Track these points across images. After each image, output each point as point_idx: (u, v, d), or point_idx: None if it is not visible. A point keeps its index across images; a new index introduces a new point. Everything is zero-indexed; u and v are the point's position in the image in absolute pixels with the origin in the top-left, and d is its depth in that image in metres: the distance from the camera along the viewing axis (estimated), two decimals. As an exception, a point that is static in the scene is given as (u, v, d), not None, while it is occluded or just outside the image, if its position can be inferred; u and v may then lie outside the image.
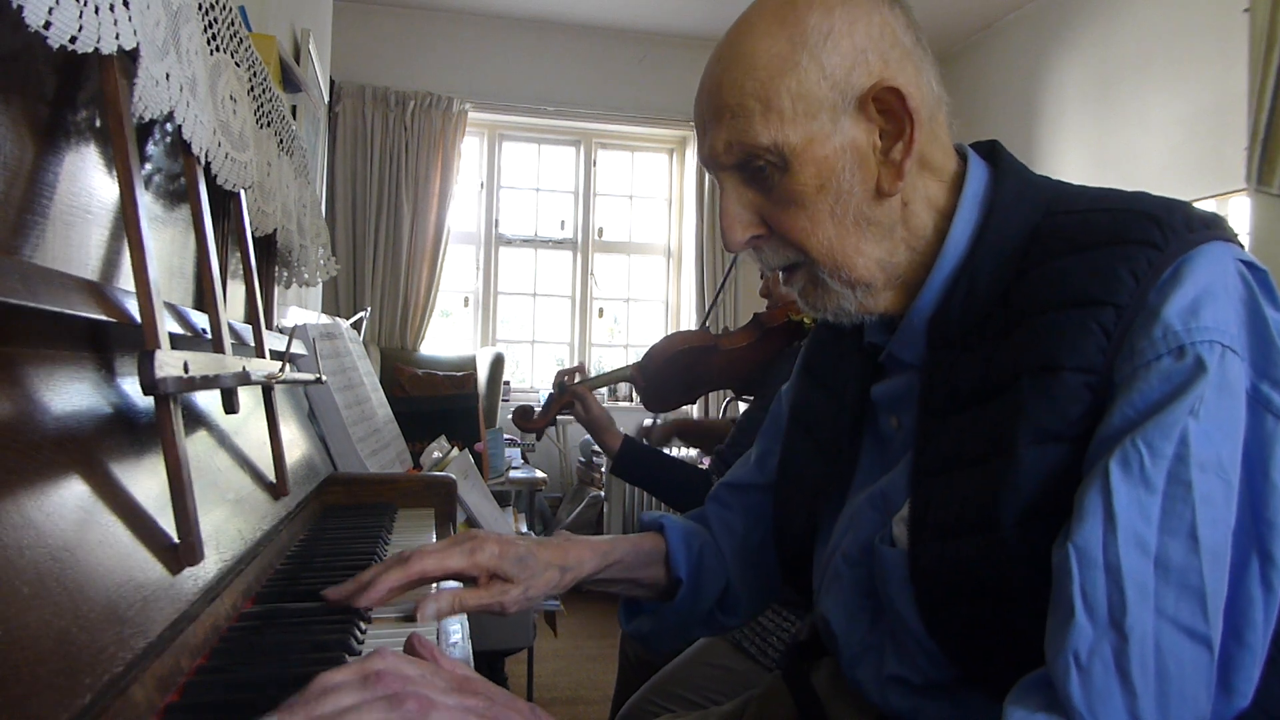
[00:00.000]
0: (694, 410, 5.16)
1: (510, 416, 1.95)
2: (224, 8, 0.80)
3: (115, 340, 0.66)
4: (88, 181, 0.65)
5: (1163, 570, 0.55)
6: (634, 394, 5.26)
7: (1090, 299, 0.62)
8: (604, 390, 1.91)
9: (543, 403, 1.91)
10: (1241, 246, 0.65)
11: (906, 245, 0.73)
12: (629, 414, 4.61)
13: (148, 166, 0.79)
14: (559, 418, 1.93)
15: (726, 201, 0.74)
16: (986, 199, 0.73)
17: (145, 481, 0.62)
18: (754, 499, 0.97)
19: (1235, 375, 0.58)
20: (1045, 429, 0.62)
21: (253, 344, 0.97)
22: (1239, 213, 3.18)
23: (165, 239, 0.86)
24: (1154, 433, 0.57)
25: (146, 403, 0.66)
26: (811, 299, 0.76)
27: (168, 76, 0.62)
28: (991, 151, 0.77)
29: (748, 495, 0.98)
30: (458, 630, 0.78)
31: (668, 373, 1.85)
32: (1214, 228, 0.64)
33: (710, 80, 0.73)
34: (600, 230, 5.36)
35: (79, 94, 0.63)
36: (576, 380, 1.87)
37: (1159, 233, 0.62)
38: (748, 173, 0.72)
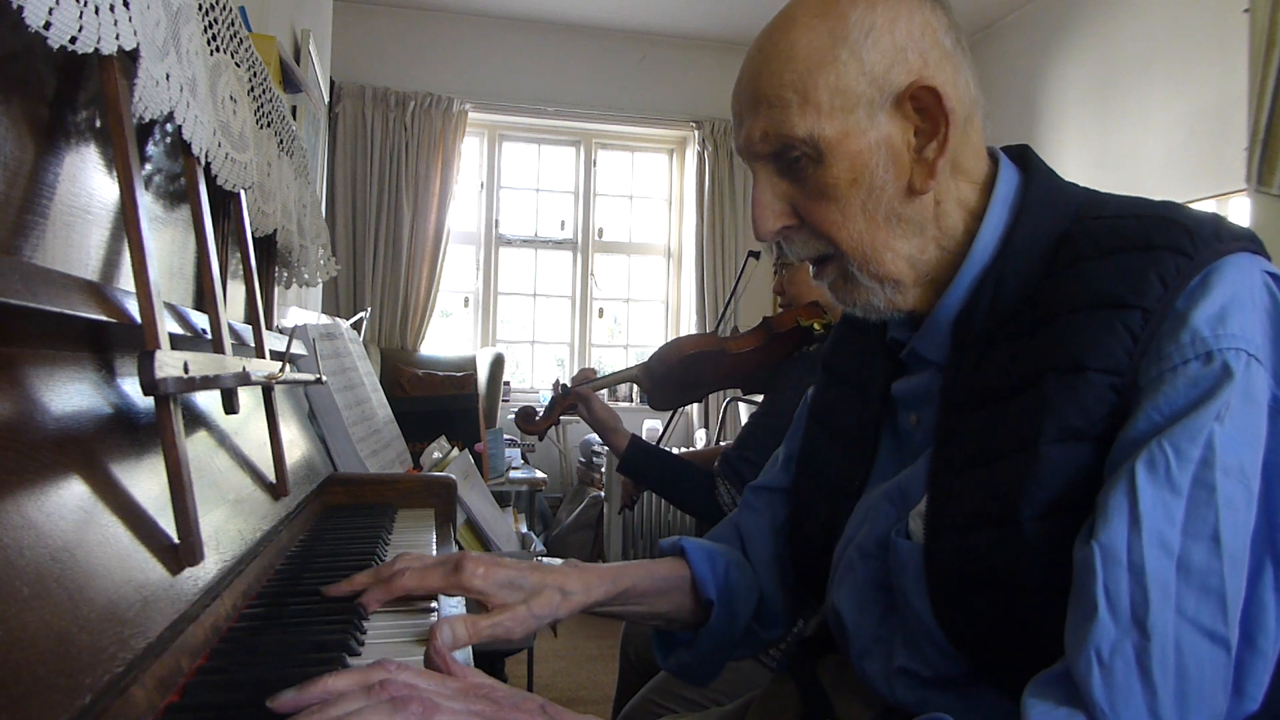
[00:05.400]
0: (693, 411, 5.17)
1: (513, 418, 1.95)
2: (224, 8, 0.80)
3: (115, 340, 0.66)
4: (88, 181, 0.65)
5: (1185, 572, 0.55)
6: (633, 393, 5.28)
7: (1118, 301, 0.63)
8: (604, 389, 1.89)
9: (545, 404, 1.91)
10: (1269, 259, 0.65)
11: (937, 244, 0.74)
12: (629, 414, 4.61)
13: (148, 167, 0.79)
14: (561, 418, 1.93)
15: (759, 191, 0.74)
16: (1016, 202, 0.73)
17: (145, 481, 0.62)
18: (780, 501, 0.97)
19: (1259, 385, 0.59)
20: (1069, 427, 0.62)
21: (253, 344, 0.97)
22: (1239, 213, 3.18)
23: (165, 239, 0.86)
24: (1181, 436, 0.57)
25: (146, 403, 0.66)
26: (841, 293, 0.76)
27: (168, 77, 0.62)
28: (1022, 156, 0.78)
29: (774, 497, 0.98)
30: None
31: (673, 376, 1.85)
32: (1243, 239, 0.64)
33: (749, 71, 0.74)
34: (600, 230, 5.36)
35: (79, 94, 0.63)
36: (580, 383, 1.87)
37: (1189, 240, 0.63)
38: (782, 163, 0.73)
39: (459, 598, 0.82)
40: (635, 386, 1.93)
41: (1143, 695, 0.54)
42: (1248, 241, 0.65)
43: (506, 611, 0.75)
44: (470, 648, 0.74)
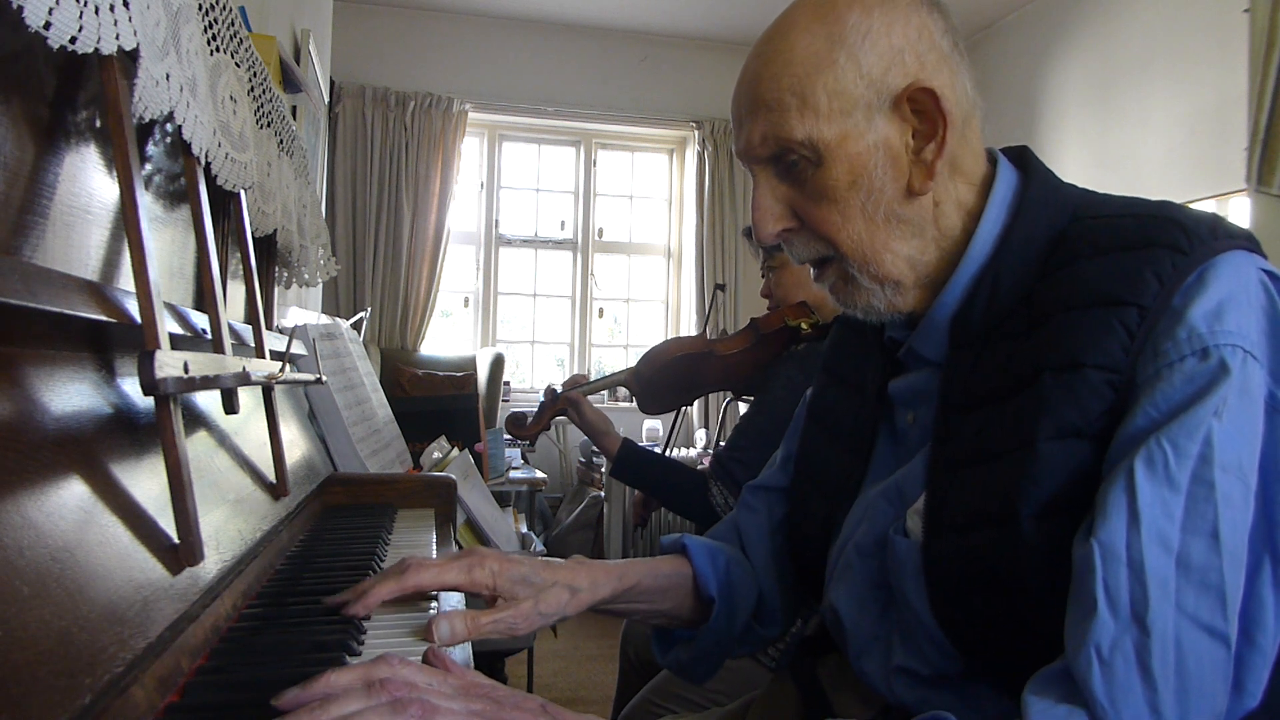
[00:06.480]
0: (693, 410, 5.17)
1: (504, 423, 1.94)
2: (224, 8, 0.80)
3: (115, 340, 0.66)
4: (88, 181, 0.65)
5: (1184, 568, 0.56)
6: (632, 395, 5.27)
7: (1114, 299, 0.63)
8: (595, 393, 1.88)
9: (537, 409, 1.91)
10: (1265, 257, 0.65)
11: (936, 245, 0.74)
12: (630, 415, 4.61)
13: (148, 167, 0.79)
14: (555, 420, 1.93)
15: (759, 194, 0.75)
16: (1014, 203, 0.74)
17: (145, 481, 0.62)
18: (778, 501, 0.97)
19: (1255, 381, 0.59)
20: (1066, 425, 0.62)
21: (253, 344, 0.97)
22: (1239, 213, 3.18)
23: (165, 239, 0.86)
24: (1178, 432, 0.57)
25: (146, 403, 0.66)
26: (842, 295, 0.77)
27: (168, 77, 0.62)
28: (1021, 157, 0.78)
29: (772, 497, 0.98)
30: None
31: (663, 379, 1.85)
32: (1239, 237, 0.65)
33: (748, 75, 0.74)
34: (600, 230, 5.36)
35: (79, 94, 0.63)
36: (571, 388, 1.87)
37: (1184, 238, 0.63)
38: (781, 166, 0.73)
39: (459, 595, 0.82)
40: (634, 388, 1.92)
41: (1143, 691, 0.54)
42: (1244, 240, 0.65)
43: (510, 608, 0.75)
44: (470, 648, 0.74)
